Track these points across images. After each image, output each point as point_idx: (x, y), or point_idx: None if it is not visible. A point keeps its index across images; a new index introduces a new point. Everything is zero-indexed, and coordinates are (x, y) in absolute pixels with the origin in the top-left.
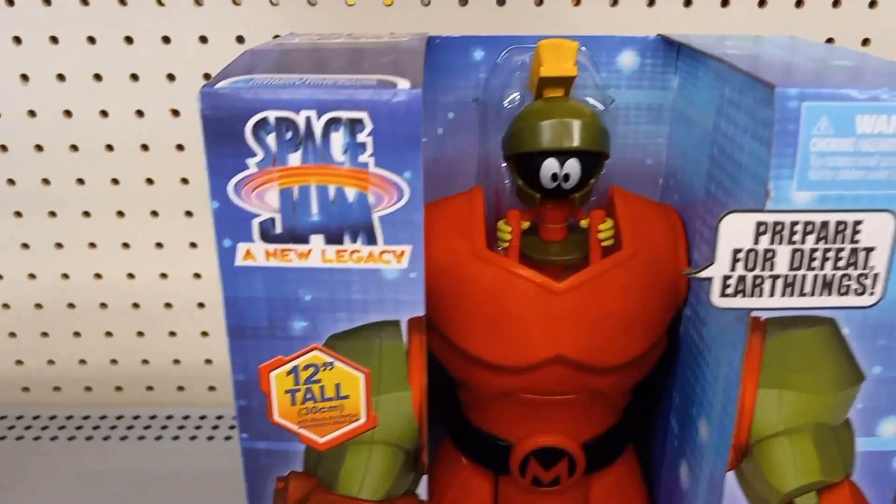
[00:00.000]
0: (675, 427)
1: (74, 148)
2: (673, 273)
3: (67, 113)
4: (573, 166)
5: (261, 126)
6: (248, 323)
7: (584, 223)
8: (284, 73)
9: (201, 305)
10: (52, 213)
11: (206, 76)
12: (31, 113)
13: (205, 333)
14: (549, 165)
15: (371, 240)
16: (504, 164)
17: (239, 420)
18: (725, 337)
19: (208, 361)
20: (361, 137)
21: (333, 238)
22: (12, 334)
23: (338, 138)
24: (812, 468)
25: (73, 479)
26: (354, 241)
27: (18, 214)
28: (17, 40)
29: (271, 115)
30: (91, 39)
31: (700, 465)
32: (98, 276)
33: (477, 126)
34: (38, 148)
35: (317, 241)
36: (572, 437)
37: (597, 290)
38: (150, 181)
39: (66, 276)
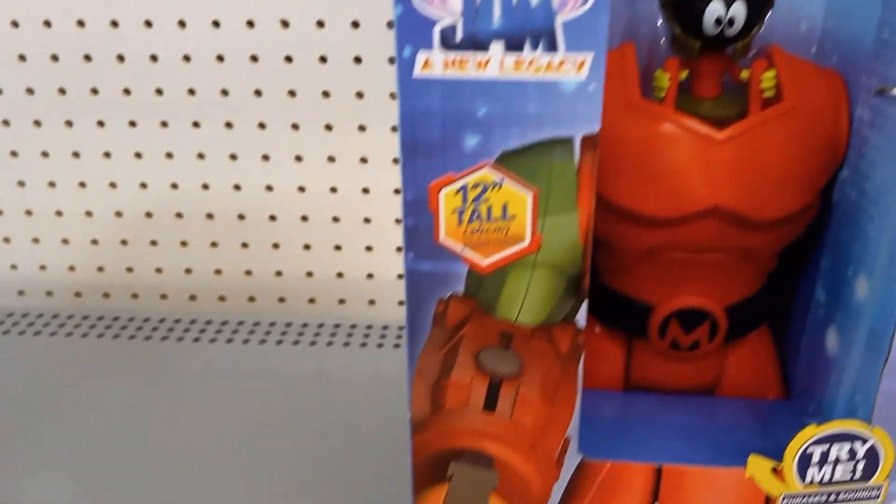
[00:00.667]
0: (822, 295)
1: (220, 59)
2: (833, 132)
3: (216, 23)
4: (739, 9)
5: None
6: (421, 138)
7: (744, 74)
8: None
9: (336, 220)
10: (196, 124)
11: None
12: (181, 23)
13: (338, 247)
14: (714, 8)
15: (552, 47)
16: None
17: (405, 240)
18: (885, 181)
19: (339, 275)
20: None
21: (514, 45)
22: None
23: None
24: None
25: (219, 380)
26: (535, 48)
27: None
28: None
29: None
30: None
31: (856, 326)
32: (237, 187)
33: None
34: (186, 59)
35: (496, 48)
36: (717, 300)
37: (757, 141)
38: (292, 93)
39: (205, 185)
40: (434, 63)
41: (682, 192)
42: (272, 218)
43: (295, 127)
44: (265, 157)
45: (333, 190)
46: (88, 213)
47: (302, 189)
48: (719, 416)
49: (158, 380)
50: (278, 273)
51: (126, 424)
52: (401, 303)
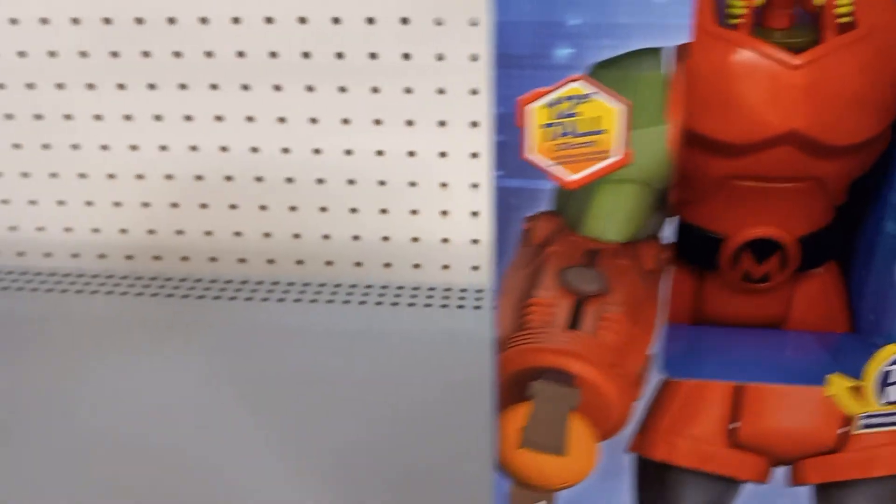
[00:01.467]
0: (890, 228)
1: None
2: None
3: None
4: None
5: None
6: (513, 51)
7: (818, 0)
8: None
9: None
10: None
11: None
12: None
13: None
14: None
15: None
16: None
17: (495, 157)
18: None
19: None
20: None
21: None
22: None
23: None
24: None
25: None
26: None
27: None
28: None
29: None
30: None
31: None
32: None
33: None
34: (235, 21)
35: None
36: (789, 230)
37: (833, 66)
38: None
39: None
40: None
41: (757, 117)
42: (320, 181)
43: (342, 90)
44: (313, 120)
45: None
46: (140, 176)
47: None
48: (790, 346)
49: (208, 338)
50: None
51: (177, 381)
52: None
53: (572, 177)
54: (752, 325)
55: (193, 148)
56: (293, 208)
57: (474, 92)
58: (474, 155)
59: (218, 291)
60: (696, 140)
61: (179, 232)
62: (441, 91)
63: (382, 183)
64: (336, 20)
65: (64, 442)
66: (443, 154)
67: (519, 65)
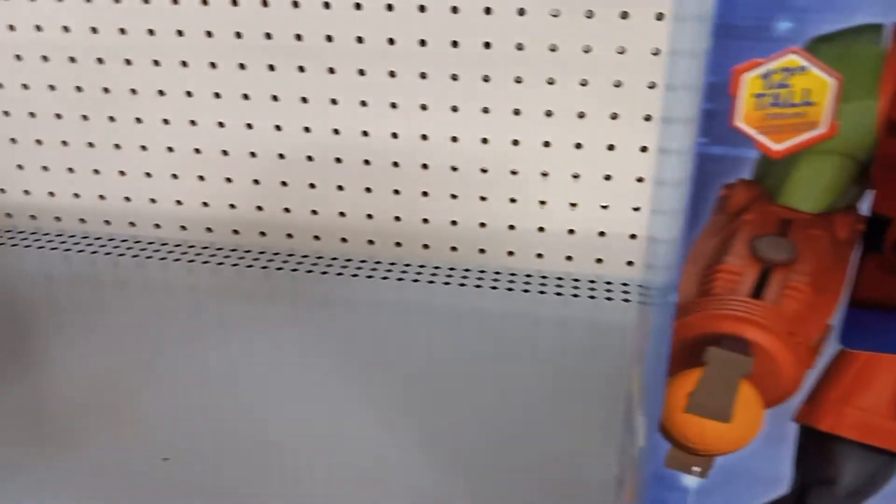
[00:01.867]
0: None
1: (390, 7)
2: None
3: None
4: None
5: None
6: (734, 21)
7: None
8: None
9: (514, 173)
10: (361, 72)
11: None
12: None
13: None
14: None
15: None
16: None
17: (701, 124)
18: None
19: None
20: None
21: None
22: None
23: None
24: None
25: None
26: None
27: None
28: None
29: None
30: None
31: None
32: (395, 135)
33: None
34: (357, 6)
35: None
36: None
37: None
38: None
39: (365, 132)
40: None
41: None
42: (424, 166)
43: (455, 78)
44: (423, 107)
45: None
46: (253, 154)
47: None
48: None
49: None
50: (425, 220)
51: (283, 349)
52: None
53: (778, 146)
54: None
55: (307, 129)
56: (396, 191)
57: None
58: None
59: (325, 267)
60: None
61: (287, 210)
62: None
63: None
64: (454, 9)
65: (166, 412)
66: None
67: (738, 35)
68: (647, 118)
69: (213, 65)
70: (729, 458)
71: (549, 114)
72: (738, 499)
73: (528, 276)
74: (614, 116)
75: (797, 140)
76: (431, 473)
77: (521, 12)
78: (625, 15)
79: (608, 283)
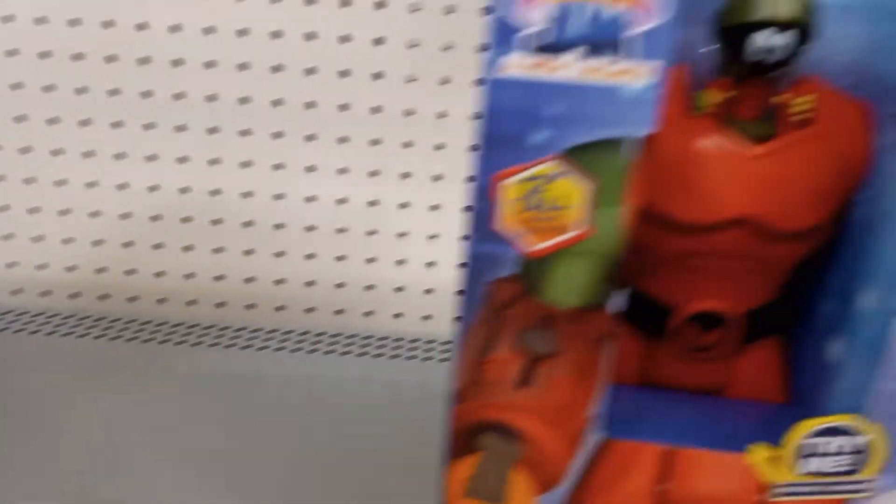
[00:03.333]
0: (829, 307)
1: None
2: (857, 156)
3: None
4: (781, 40)
5: None
6: (496, 132)
7: (780, 98)
8: None
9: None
10: (213, 130)
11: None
12: (206, 29)
13: (340, 258)
14: (758, 38)
15: (622, 56)
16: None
17: (470, 224)
18: None
19: (341, 285)
20: None
21: (589, 52)
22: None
23: None
24: None
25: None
26: (605, 57)
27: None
28: None
29: None
30: None
31: (857, 335)
32: (247, 194)
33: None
34: (209, 65)
35: (572, 55)
36: (734, 305)
37: (787, 159)
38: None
39: (215, 191)
40: (516, 65)
41: (715, 201)
42: (278, 226)
43: (310, 138)
44: (277, 167)
45: (343, 201)
46: (95, 214)
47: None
48: (726, 414)
49: (154, 382)
50: (279, 281)
51: (119, 425)
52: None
53: (536, 246)
54: (696, 390)
55: (153, 188)
56: (249, 252)
57: (439, 147)
58: (434, 207)
59: (165, 335)
60: (656, 218)
61: (130, 272)
62: (408, 145)
63: (342, 230)
64: (310, 70)
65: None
66: (403, 205)
67: (503, 144)
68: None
69: (52, 121)
70: None
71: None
72: None
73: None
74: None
75: (554, 241)
76: None
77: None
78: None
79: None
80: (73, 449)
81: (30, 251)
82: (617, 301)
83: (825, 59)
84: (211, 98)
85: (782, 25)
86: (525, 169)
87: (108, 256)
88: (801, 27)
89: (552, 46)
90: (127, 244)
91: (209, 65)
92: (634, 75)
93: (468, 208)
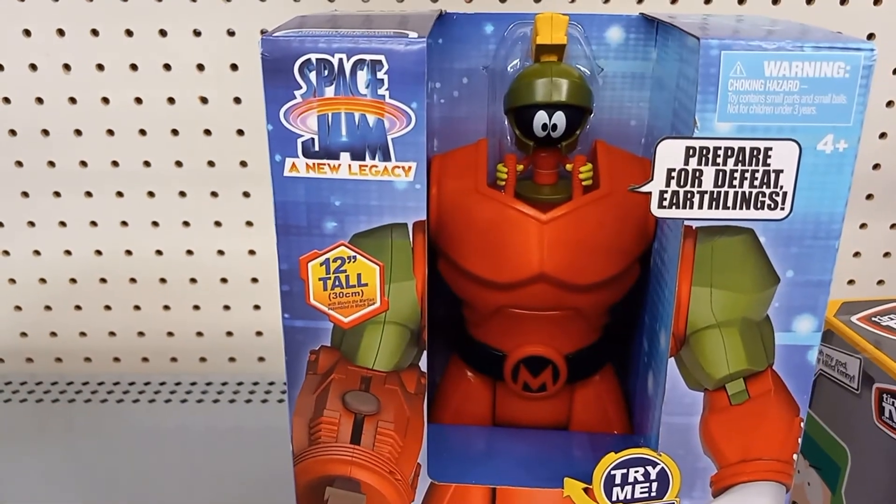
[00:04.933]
0: (645, 344)
1: (143, 132)
2: (644, 212)
3: (138, 100)
4: (560, 118)
5: (305, 65)
6: (291, 222)
7: (568, 167)
8: (323, 28)
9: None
10: (119, 194)
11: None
12: (104, 100)
13: (257, 307)
14: (540, 117)
15: (386, 157)
16: (505, 119)
17: (282, 303)
18: (674, 253)
19: (259, 333)
20: (380, 75)
21: (357, 155)
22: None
23: (362, 76)
24: (740, 357)
25: (141, 439)
26: (373, 157)
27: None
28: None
29: (313, 56)
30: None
31: (661, 370)
32: (159, 252)
33: (486, 90)
34: (110, 133)
35: (345, 157)
36: (557, 349)
37: (575, 221)
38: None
39: (128, 251)
40: (299, 166)
41: (515, 262)
42: (193, 280)
43: (214, 195)
44: (186, 223)
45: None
46: (12, 280)
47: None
48: (563, 448)
49: (81, 442)
50: (199, 333)
51: (50, 487)
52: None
53: (346, 319)
54: (541, 426)
55: (67, 252)
56: (167, 307)
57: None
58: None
59: (90, 394)
60: (471, 277)
61: (52, 334)
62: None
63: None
64: (207, 132)
65: None
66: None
67: (297, 233)
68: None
69: None
70: None
71: (249, 223)
72: None
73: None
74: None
75: (360, 314)
76: None
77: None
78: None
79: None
80: None
81: None
82: (423, 360)
83: (621, 123)
84: (115, 164)
85: (559, 106)
86: (323, 253)
87: (28, 320)
88: (577, 106)
89: (327, 150)
90: (47, 307)
91: (110, 132)
92: (401, 172)
93: (281, 289)
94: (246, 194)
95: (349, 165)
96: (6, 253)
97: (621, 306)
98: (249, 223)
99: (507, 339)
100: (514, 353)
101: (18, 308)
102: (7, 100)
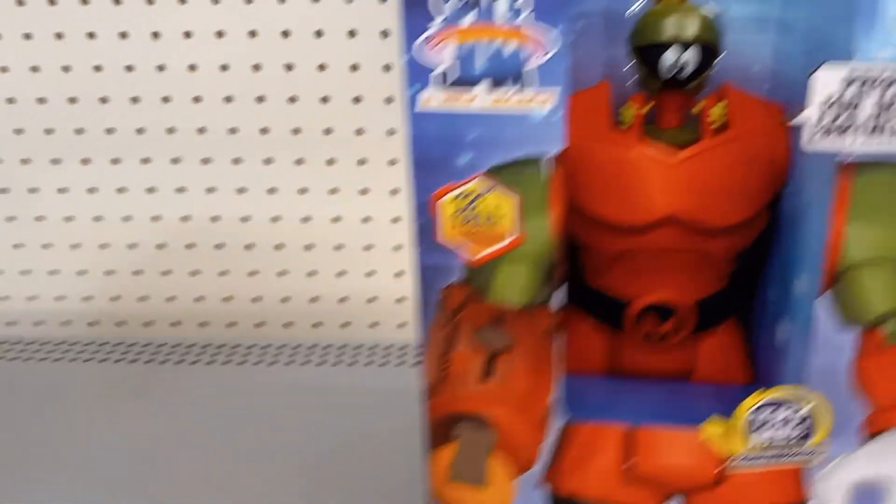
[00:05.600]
0: (772, 293)
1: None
2: (774, 154)
3: (223, 67)
4: (689, 57)
5: None
6: (425, 157)
7: (696, 108)
8: None
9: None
10: (205, 160)
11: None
12: (191, 67)
13: (341, 273)
14: (669, 56)
15: (524, 86)
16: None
17: (416, 238)
18: (820, 192)
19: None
20: (519, 2)
21: (494, 85)
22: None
23: (501, 2)
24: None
25: (232, 401)
26: (511, 87)
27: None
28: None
29: None
30: None
31: (796, 318)
32: (245, 218)
33: (601, 34)
34: (196, 100)
35: (481, 87)
36: (684, 296)
37: (705, 162)
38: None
39: (215, 218)
40: (434, 99)
41: (643, 203)
42: (278, 247)
43: (299, 162)
44: (271, 191)
45: (336, 220)
46: (104, 246)
47: (306, 219)
48: (689, 395)
49: (172, 402)
50: (285, 300)
51: (141, 444)
52: (400, 325)
53: (476, 256)
54: (661, 377)
55: (156, 218)
56: (253, 273)
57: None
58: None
59: (180, 357)
60: (596, 221)
61: (142, 298)
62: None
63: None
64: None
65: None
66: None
67: (432, 167)
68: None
69: (55, 161)
70: None
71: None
72: None
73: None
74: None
75: (492, 249)
76: None
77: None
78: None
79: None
80: (98, 467)
81: (48, 284)
82: (559, 297)
83: (742, 68)
84: (202, 130)
85: (688, 44)
86: (456, 187)
87: (120, 285)
88: (707, 44)
89: (462, 81)
90: (137, 272)
91: (197, 99)
92: (539, 102)
93: (413, 224)
94: (330, 161)
95: (486, 96)
96: (98, 219)
97: (748, 254)
98: (334, 190)
99: (631, 285)
100: (637, 300)
101: (110, 273)
102: (98, 68)
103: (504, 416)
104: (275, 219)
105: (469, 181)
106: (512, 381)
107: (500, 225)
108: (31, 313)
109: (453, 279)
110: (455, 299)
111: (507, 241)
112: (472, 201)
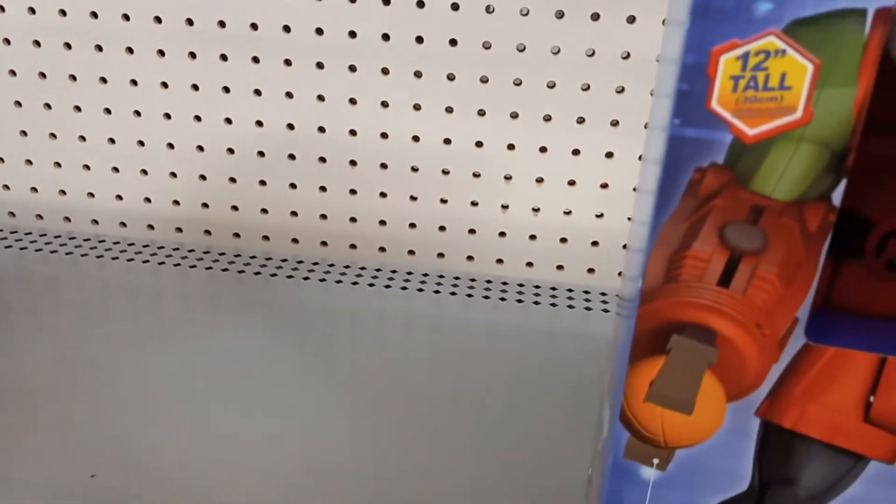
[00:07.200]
0: None
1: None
2: None
3: None
4: None
5: None
6: (713, 3)
7: None
8: None
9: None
10: (320, 65)
11: None
12: None
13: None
14: None
15: None
16: None
17: (675, 105)
18: None
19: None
20: None
21: None
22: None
23: None
24: None
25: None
26: None
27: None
28: None
29: None
30: None
31: None
32: (353, 132)
33: None
34: None
35: None
36: None
37: None
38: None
39: (321, 129)
40: None
41: None
42: (383, 166)
43: (418, 74)
44: (384, 104)
45: (447, 141)
46: (200, 148)
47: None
48: None
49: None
50: (382, 222)
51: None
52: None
53: (752, 131)
54: (886, 317)
55: (259, 123)
56: (353, 191)
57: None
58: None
59: (274, 269)
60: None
61: (234, 207)
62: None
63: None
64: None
65: (102, 422)
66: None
67: (718, 17)
68: (615, 123)
69: (161, 52)
70: (689, 451)
71: (514, 115)
72: (697, 494)
73: (488, 281)
74: (581, 121)
75: (772, 125)
76: (408, 476)
77: (489, 9)
78: (596, 16)
79: (570, 290)
80: (181, 373)
81: (136, 184)
82: (838, 192)
83: None
84: (319, 32)
85: None
86: (744, 44)
87: (212, 191)
88: None
89: None
90: (232, 179)
91: None
92: None
93: (678, 89)
94: (450, 77)
95: None
96: (198, 118)
97: None
98: (449, 109)
99: (881, 204)
100: (887, 221)
101: (203, 178)
102: None
103: (732, 331)
104: (415, 138)
105: (762, 37)
106: (755, 290)
107: (789, 95)
108: (117, 212)
109: (714, 158)
110: (710, 184)
111: (792, 117)
112: (761, 63)
